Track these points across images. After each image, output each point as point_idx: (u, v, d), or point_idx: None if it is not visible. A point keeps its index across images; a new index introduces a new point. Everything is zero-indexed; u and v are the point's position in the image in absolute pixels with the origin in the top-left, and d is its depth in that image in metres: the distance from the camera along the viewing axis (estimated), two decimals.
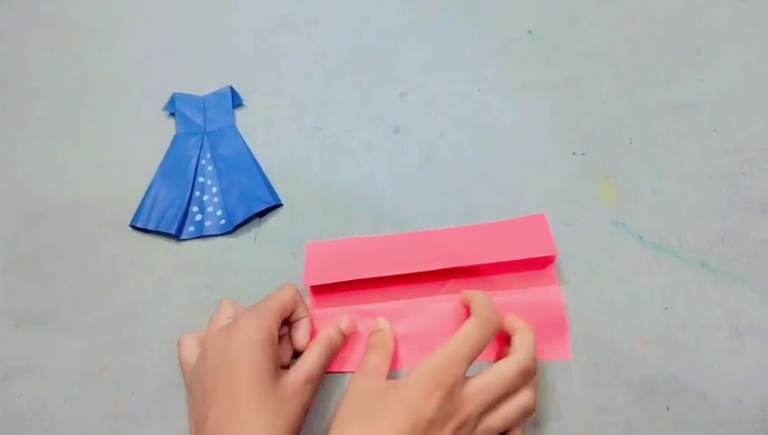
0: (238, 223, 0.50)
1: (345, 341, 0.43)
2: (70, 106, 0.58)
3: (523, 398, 0.38)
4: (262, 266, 0.48)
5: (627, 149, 0.49)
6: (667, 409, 0.41)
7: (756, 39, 0.52)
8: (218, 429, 0.36)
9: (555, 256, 0.44)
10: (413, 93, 0.55)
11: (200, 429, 0.37)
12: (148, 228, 0.50)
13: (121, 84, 0.59)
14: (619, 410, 0.41)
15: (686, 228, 0.46)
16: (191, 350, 0.42)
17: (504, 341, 0.42)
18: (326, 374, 0.43)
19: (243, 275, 0.48)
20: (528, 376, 0.38)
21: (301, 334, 0.43)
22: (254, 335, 0.39)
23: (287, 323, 0.43)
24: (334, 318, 0.44)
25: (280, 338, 0.42)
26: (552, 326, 0.43)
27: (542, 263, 0.45)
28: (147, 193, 0.52)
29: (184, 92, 0.57)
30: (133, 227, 0.51)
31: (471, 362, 0.37)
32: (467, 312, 0.41)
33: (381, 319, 0.44)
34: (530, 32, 0.56)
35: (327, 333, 0.42)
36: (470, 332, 0.38)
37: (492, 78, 0.54)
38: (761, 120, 0.49)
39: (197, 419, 0.38)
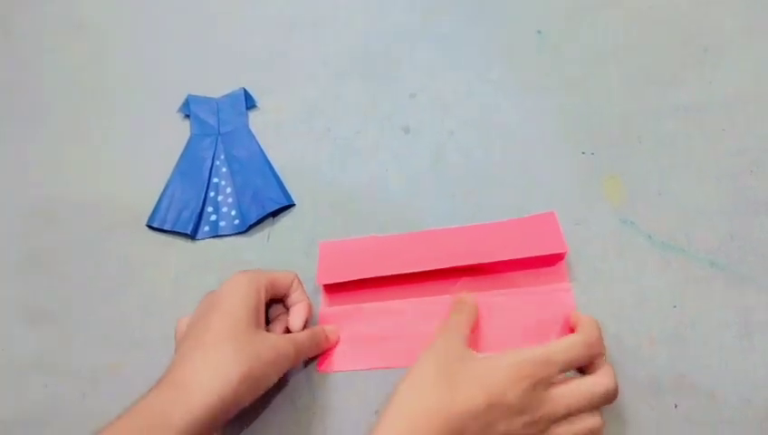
0: (252, 223, 0.51)
1: (331, 344, 0.45)
2: (85, 107, 0.59)
3: (595, 420, 0.37)
4: (275, 265, 0.49)
5: (635, 149, 0.49)
6: (676, 407, 0.41)
7: (764, 38, 0.52)
8: (182, 359, 0.37)
9: (565, 253, 0.45)
10: (422, 94, 0.55)
11: (170, 364, 0.38)
12: (165, 228, 0.51)
13: (136, 86, 0.60)
14: (627, 408, 0.41)
15: (695, 228, 0.46)
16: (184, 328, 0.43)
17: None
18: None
19: None
20: (608, 401, 0.37)
21: (296, 317, 0.44)
22: (240, 286, 0.40)
23: (285, 305, 0.45)
24: (347, 315, 0.45)
25: (274, 319, 0.44)
26: (563, 324, 0.44)
27: (552, 260, 0.46)
28: (163, 193, 0.53)
29: (198, 94, 0.58)
30: (149, 226, 0.52)
31: (563, 371, 0.37)
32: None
33: (465, 293, 0.44)
34: (539, 32, 0.56)
35: (323, 328, 0.45)
36: (573, 344, 0.38)
37: (500, 78, 0.55)
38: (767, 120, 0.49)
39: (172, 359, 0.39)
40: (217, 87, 0.58)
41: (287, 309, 0.45)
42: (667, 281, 0.44)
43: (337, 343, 0.46)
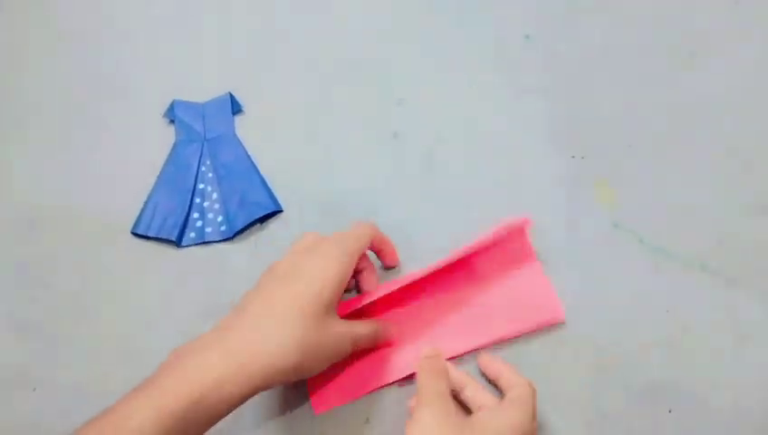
0: (239, 229, 0.50)
1: (389, 343, 0.44)
2: (68, 113, 0.58)
3: None
4: (263, 272, 0.48)
5: (625, 153, 0.49)
6: (669, 412, 0.41)
7: (751, 40, 0.52)
8: (247, 320, 0.36)
9: (525, 226, 0.45)
10: (410, 99, 0.55)
11: (233, 312, 0.38)
12: (149, 235, 0.50)
13: (120, 91, 0.59)
14: (621, 415, 0.41)
15: (686, 231, 0.46)
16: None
17: None
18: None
19: (244, 281, 0.48)
20: None
21: (368, 281, 0.44)
22: (330, 261, 0.39)
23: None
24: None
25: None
26: (540, 297, 0.44)
27: (516, 239, 0.45)
28: (147, 200, 0.52)
29: (183, 99, 0.57)
30: (134, 234, 0.51)
31: None
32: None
33: (429, 348, 0.43)
34: (527, 36, 0.56)
35: (386, 324, 0.44)
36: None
37: (488, 83, 0.54)
38: (758, 122, 0.49)
39: (238, 306, 0.38)
40: (203, 92, 0.57)
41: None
42: (658, 285, 0.44)
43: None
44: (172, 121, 0.56)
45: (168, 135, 0.55)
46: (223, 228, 0.50)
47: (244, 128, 0.55)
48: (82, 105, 0.58)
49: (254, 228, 0.51)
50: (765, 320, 0.42)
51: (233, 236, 0.50)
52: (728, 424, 0.40)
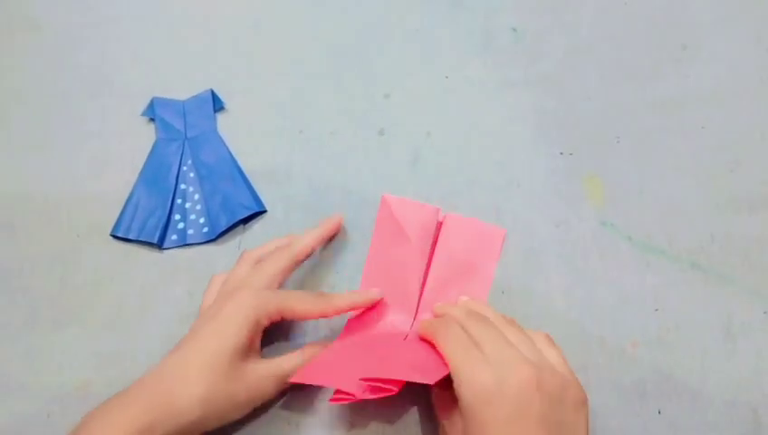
0: (222, 230, 0.49)
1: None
2: (45, 111, 0.57)
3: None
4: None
5: (614, 148, 0.49)
6: (659, 412, 0.40)
7: (742, 34, 0.52)
8: (167, 370, 0.38)
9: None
10: (397, 94, 0.54)
11: (164, 359, 0.39)
12: (130, 238, 0.49)
13: (98, 89, 0.57)
14: (611, 414, 0.41)
15: (676, 228, 0.45)
16: (213, 294, 0.44)
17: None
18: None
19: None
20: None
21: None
22: (242, 313, 0.39)
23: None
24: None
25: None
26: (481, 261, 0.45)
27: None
28: (127, 201, 0.51)
29: (163, 97, 0.56)
30: (114, 236, 0.50)
31: None
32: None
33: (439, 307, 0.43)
34: (514, 29, 0.55)
35: (310, 347, 0.42)
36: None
37: (476, 77, 0.54)
38: (747, 117, 0.48)
39: (173, 350, 0.40)
40: (183, 89, 0.56)
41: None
42: (648, 283, 0.44)
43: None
44: (152, 120, 0.55)
45: (147, 134, 0.54)
46: (205, 230, 0.49)
47: (226, 125, 0.54)
48: (58, 103, 0.57)
49: (237, 230, 0.50)
50: (755, 317, 0.42)
51: (215, 237, 0.49)
52: (718, 423, 0.40)
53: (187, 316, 0.46)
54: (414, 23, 0.57)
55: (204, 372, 0.37)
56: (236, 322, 0.39)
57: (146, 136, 0.54)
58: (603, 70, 0.52)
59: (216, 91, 0.55)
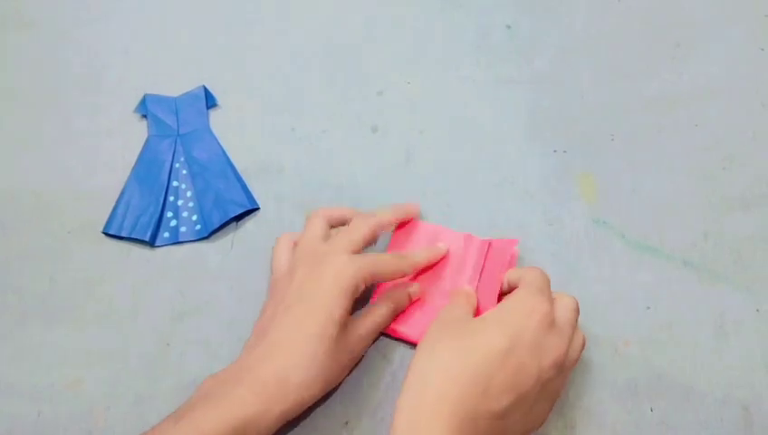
0: (214, 228, 0.49)
1: (409, 303, 0.43)
2: (36, 108, 0.56)
3: (581, 335, 0.39)
4: (240, 272, 0.47)
5: (607, 146, 0.49)
6: (651, 410, 0.40)
7: (736, 32, 0.52)
8: (272, 349, 0.37)
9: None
10: (390, 91, 0.54)
11: (257, 338, 0.39)
12: (122, 235, 0.49)
13: (90, 85, 0.57)
14: (603, 413, 0.41)
15: (668, 226, 0.45)
16: (284, 254, 0.43)
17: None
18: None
19: (220, 282, 0.47)
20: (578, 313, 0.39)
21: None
22: (344, 280, 0.39)
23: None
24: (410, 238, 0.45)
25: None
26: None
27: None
28: (119, 199, 0.50)
29: (156, 93, 0.55)
30: (106, 233, 0.49)
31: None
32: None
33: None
34: (508, 26, 0.55)
35: (394, 295, 0.43)
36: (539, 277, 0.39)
37: (470, 74, 0.54)
38: (741, 115, 0.48)
39: (259, 328, 0.40)
40: (176, 85, 0.55)
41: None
42: (640, 281, 0.44)
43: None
44: (144, 116, 0.54)
45: (140, 130, 0.54)
46: (198, 227, 0.49)
47: (218, 122, 0.54)
48: (51, 99, 0.57)
49: (229, 227, 0.49)
50: (748, 316, 0.42)
51: (208, 235, 0.49)
52: (710, 421, 0.40)
53: (180, 314, 0.46)
54: (408, 20, 0.57)
55: (315, 345, 0.37)
56: (340, 290, 0.38)
57: (138, 133, 0.54)
58: (597, 68, 0.52)
59: (208, 87, 0.55)
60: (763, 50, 0.51)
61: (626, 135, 0.49)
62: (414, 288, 0.44)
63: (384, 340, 0.43)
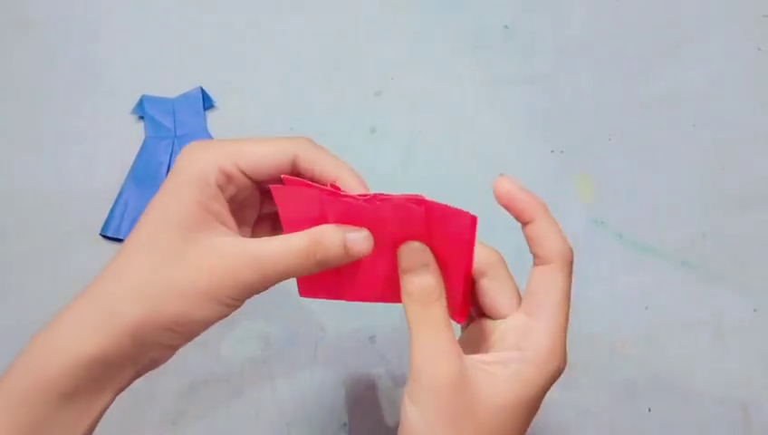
0: None
1: (352, 258, 0.29)
2: (34, 109, 0.56)
3: None
4: None
5: (606, 146, 0.49)
6: (650, 410, 0.40)
7: (734, 32, 0.52)
8: (119, 254, 0.29)
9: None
10: (388, 92, 0.54)
11: None
12: (120, 238, 0.49)
13: (87, 86, 0.57)
14: (602, 412, 0.41)
15: (667, 226, 0.45)
16: None
17: None
18: None
19: None
20: None
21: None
22: (189, 166, 0.28)
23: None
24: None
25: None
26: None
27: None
28: (117, 201, 0.50)
29: (153, 94, 0.55)
30: (103, 235, 0.49)
31: None
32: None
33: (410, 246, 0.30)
34: (506, 26, 0.55)
35: (324, 237, 0.28)
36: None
37: (468, 75, 0.53)
38: (739, 116, 0.48)
39: None
40: (173, 87, 0.55)
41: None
42: (638, 281, 0.44)
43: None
44: (141, 118, 0.54)
45: (137, 132, 0.54)
46: None
47: (216, 124, 0.54)
48: (47, 100, 0.56)
49: None
50: (746, 316, 0.42)
51: None
52: (708, 421, 0.40)
53: None
54: (406, 21, 0.57)
55: (140, 254, 0.28)
56: (175, 184, 0.28)
57: (135, 134, 0.54)
58: (595, 68, 0.52)
59: (206, 89, 0.55)
60: (760, 49, 0.51)
61: (624, 135, 0.49)
62: (354, 235, 0.29)
63: (383, 340, 0.43)
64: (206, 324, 0.28)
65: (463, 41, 0.55)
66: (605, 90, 0.51)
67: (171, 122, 0.54)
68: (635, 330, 0.43)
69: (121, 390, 0.29)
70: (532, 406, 0.28)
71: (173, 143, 0.53)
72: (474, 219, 0.33)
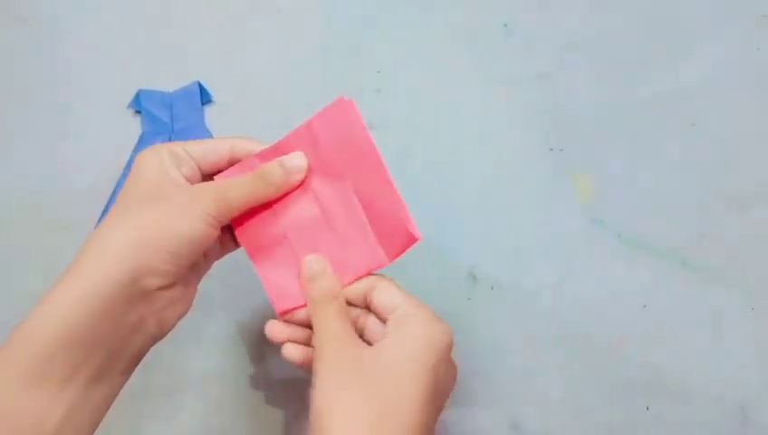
0: None
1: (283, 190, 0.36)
2: (29, 103, 0.56)
3: None
4: (234, 272, 0.47)
5: (604, 145, 0.49)
6: (647, 408, 0.41)
7: (733, 32, 0.52)
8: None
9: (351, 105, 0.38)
10: (387, 89, 0.53)
11: None
12: None
13: (83, 80, 0.56)
14: (600, 411, 0.41)
15: (665, 225, 0.45)
16: None
17: None
18: None
19: (213, 281, 0.47)
20: None
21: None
22: (147, 153, 0.35)
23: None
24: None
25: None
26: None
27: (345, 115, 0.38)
28: (112, 196, 0.50)
29: (150, 88, 0.55)
30: None
31: None
32: None
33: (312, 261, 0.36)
34: (505, 24, 0.55)
35: (265, 165, 0.36)
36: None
37: (467, 72, 0.53)
38: (738, 115, 0.49)
39: None
40: (170, 81, 0.55)
41: None
42: (637, 280, 0.44)
43: None
44: (138, 112, 0.54)
45: (133, 126, 0.53)
46: None
47: (213, 118, 0.54)
48: (43, 94, 0.56)
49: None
50: (745, 315, 0.42)
51: None
52: (707, 420, 0.40)
53: None
54: (405, 18, 0.56)
55: (113, 213, 0.34)
56: (134, 170, 0.35)
57: (132, 129, 0.53)
58: (594, 66, 0.52)
59: (203, 83, 0.55)
60: (759, 49, 0.51)
61: (623, 134, 0.49)
62: (295, 160, 0.37)
63: None
64: (190, 243, 0.33)
65: (462, 39, 0.55)
66: (604, 88, 0.51)
67: (168, 117, 0.53)
68: (633, 328, 0.43)
69: (108, 370, 0.33)
70: (424, 363, 0.32)
71: (170, 138, 0.52)
72: (350, 103, 0.39)
